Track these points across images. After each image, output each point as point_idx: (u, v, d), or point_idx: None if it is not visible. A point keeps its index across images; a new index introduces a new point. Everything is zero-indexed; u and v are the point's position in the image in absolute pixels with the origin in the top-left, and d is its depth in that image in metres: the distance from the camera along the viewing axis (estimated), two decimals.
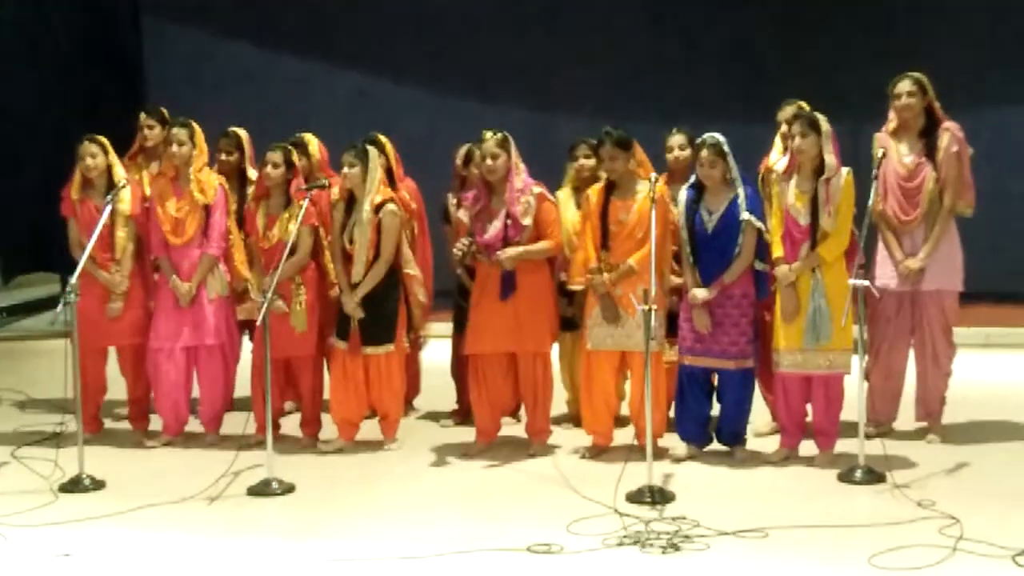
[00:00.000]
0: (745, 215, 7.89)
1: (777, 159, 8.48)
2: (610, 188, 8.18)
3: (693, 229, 8.00)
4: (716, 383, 8.19)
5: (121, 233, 8.67)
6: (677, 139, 8.52)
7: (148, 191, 8.90)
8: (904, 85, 8.28)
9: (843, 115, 8.33)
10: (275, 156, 8.54)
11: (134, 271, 8.82)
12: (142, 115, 9.57)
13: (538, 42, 13.93)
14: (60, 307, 7.83)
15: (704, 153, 7.94)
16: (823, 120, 7.84)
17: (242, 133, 9.41)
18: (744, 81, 13.02)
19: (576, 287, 8.36)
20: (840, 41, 13.25)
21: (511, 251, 8.12)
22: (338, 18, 14.28)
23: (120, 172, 8.79)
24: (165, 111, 9.66)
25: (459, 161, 9.02)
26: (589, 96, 13.42)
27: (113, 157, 8.82)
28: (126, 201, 8.64)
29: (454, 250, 8.33)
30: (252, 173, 9.24)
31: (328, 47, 14.38)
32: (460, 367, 8.98)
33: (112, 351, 9.10)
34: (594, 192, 8.23)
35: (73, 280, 7.88)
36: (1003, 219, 12.82)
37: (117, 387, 9.20)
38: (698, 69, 13.53)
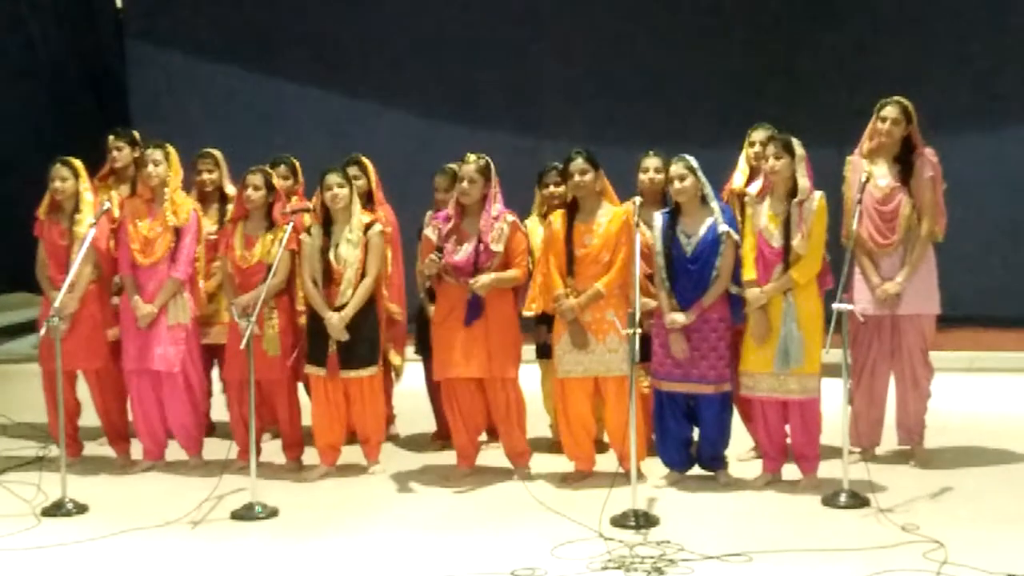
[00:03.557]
0: (723, 227, 7.90)
1: (742, 182, 8.51)
2: (572, 213, 8.19)
3: (670, 254, 8.00)
4: (694, 406, 8.18)
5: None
6: (652, 161, 8.47)
7: (117, 213, 8.84)
8: (890, 111, 8.30)
9: (820, 139, 8.35)
10: (255, 179, 8.53)
11: (92, 295, 8.75)
12: (111, 137, 9.54)
13: (526, 66, 13.95)
14: (42, 331, 7.82)
15: (674, 167, 7.95)
16: (797, 143, 7.87)
17: (216, 152, 9.42)
18: (732, 104, 13.02)
19: (528, 313, 8.36)
20: (817, 64, 13.28)
21: (484, 279, 8.10)
22: (324, 41, 14.29)
23: (89, 197, 8.73)
24: (136, 133, 9.66)
25: (440, 185, 9.02)
26: (575, 121, 13.42)
27: (84, 181, 8.77)
28: (86, 224, 8.55)
29: (423, 267, 8.32)
30: (231, 189, 9.24)
31: (313, 69, 14.37)
32: (435, 390, 8.97)
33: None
34: (556, 218, 8.24)
35: (56, 304, 7.88)
36: (986, 244, 12.89)
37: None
38: (684, 95, 13.55)
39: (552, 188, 8.75)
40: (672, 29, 13.75)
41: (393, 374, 9.34)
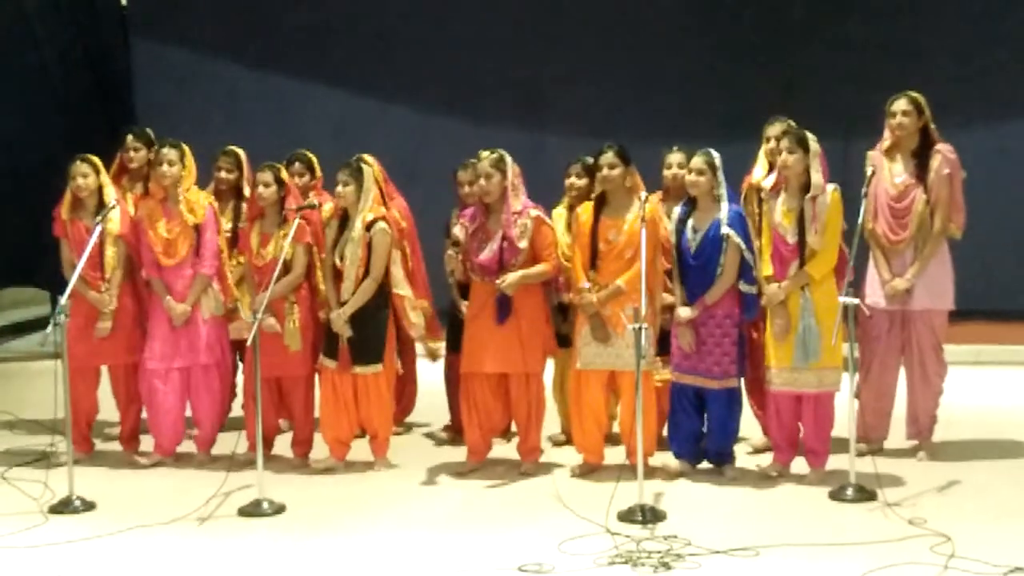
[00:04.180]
0: (725, 229, 7.90)
1: (762, 176, 8.50)
2: (600, 206, 8.19)
3: (680, 247, 8.03)
4: (704, 399, 8.19)
5: (110, 252, 8.66)
6: (676, 157, 8.46)
7: (132, 211, 8.86)
8: (900, 104, 8.31)
9: (833, 134, 8.33)
10: (265, 176, 8.55)
11: (125, 290, 8.80)
12: (129, 137, 9.50)
13: (528, 62, 13.91)
14: (50, 328, 7.83)
15: (695, 159, 7.97)
16: (811, 138, 7.87)
17: (240, 152, 9.41)
18: (734, 100, 13.00)
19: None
20: (822, 60, 13.25)
21: (512, 278, 8.10)
22: (327, 37, 14.26)
23: (111, 193, 8.77)
24: (152, 133, 9.64)
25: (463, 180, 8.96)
26: (578, 117, 13.40)
27: (104, 177, 8.83)
28: (115, 220, 8.63)
29: (446, 265, 8.34)
30: (248, 191, 9.27)
31: (317, 66, 14.34)
32: (452, 384, 8.98)
33: (104, 371, 9.08)
34: (584, 210, 8.23)
35: (63, 301, 7.87)
36: (993, 237, 12.85)
37: (107, 407, 9.16)
38: (689, 90, 13.51)
39: (574, 179, 8.71)
40: (676, 23, 13.70)
41: (429, 358, 9.36)
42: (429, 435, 9.48)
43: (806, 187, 7.83)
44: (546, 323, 8.41)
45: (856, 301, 7.67)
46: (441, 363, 9.26)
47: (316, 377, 8.74)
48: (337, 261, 8.37)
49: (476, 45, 13.94)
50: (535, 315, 8.29)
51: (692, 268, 7.99)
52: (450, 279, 8.60)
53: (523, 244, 8.15)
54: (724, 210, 7.95)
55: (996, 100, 13.13)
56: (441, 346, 9.30)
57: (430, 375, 9.51)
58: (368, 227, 8.35)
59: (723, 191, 8.00)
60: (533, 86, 13.95)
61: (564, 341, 8.56)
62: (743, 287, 7.98)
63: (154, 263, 8.65)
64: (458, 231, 8.36)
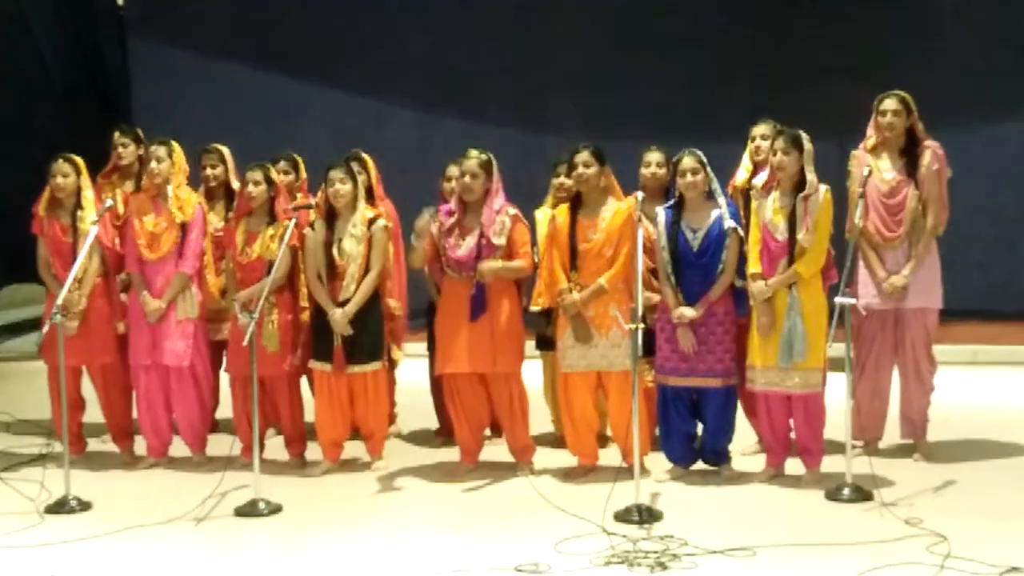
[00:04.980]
0: (729, 222, 7.91)
1: (745, 178, 8.51)
2: (576, 207, 8.19)
3: (676, 248, 8.01)
4: (698, 401, 8.17)
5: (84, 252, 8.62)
6: (654, 156, 8.49)
7: (121, 210, 8.85)
8: (890, 103, 8.31)
9: (821, 134, 8.33)
10: (255, 175, 8.53)
11: (100, 291, 8.77)
12: (116, 134, 9.55)
13: (528, 63, 13.94)
14: (45, 328, 7.83)
15: (687, 160, 7.97)
16: (806, 138, 7.87)
17: (223, 148, 9.42)
18: (726, 101, 13.01)
19: (535, 308, 8.37)
20: (818, 60, 13.26)
21: (490, 263, 8.09)
22: (326, 37, 14.28)
23: (90, 194, 8.76)
24: (140, 131, 9.67)
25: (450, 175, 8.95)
26: (578, 118, 13.41)
27: (85, 179, 8.80)
28: (88, 221, 8.56)
29: (420, 226, 8.14)
30: (237, 185, 9.26)
31: (316, 66, 14.37)
32: (437, 387, 8.98)
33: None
34: (560, 212, 8.23)
35: (59, 302, 7.89)
36: (989, 237, 12.89)
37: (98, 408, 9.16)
38: (687, 90, 13.54)
39: (563, 179, 8.69)
40: (675, 24, 13.73)
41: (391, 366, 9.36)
42: (418, 438, 9.47)
43: (799, 186, 7.83)
44: (520, 324, 8.34)
45: (852, 301, 7.67)
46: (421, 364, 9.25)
47: (300, 377, 8.74)
48: (337, 258, 8.35)
49: (476, 46, 13.97)
50: (508, 315, 8.24)
51: (694, 267, 7.97)
52: (415, 242, 8.40)
53: (501, 241, 8.13)
54: (724, 205, 7.98)
55: (992, 100, 13.15)
56: (402, 355, 9.31)
57: (415, 378, 9.51)
58: (369, 224, 8.36)
59: (716, 186, 8.03)
60: (533, 87, 13.96)
61: (549, 344, 8.55)
62: (736, 282, 7.99)
63: (136, 257, 8.63)
64: (426, 219, 8.22)
